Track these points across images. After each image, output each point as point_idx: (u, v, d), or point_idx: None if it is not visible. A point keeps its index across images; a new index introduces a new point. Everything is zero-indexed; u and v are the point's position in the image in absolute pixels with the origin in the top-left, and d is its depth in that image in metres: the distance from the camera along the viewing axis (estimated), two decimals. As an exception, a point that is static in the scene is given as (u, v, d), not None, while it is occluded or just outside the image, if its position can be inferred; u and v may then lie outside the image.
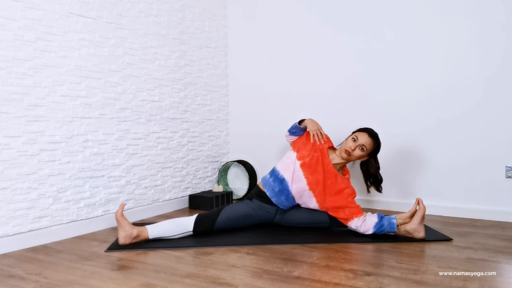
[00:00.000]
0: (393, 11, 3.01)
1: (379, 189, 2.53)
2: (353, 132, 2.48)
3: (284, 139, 3.39)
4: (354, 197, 2.37)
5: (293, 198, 2.41)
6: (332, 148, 2.53)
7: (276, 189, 2.41)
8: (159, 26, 2.99)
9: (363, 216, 2.28)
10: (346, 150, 2.39)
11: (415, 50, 2.95)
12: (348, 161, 2.45)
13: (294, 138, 2.54)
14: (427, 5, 2.90)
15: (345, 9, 3.18)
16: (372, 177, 2.49)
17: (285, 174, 2.41)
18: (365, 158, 2.46)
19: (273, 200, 2.42)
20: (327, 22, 3.25)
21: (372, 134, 2.43)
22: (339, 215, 2.33)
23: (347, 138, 2.47)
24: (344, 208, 2.31)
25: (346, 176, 2.50)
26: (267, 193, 2.44)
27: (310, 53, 3.32)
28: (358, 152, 2.39)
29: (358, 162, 2.59)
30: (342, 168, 2.51)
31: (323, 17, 3.26)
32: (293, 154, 2.46)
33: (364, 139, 2.39)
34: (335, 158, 2.45)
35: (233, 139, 3.72)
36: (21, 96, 2.18)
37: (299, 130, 2.51)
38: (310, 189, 2.35)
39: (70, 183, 2.42)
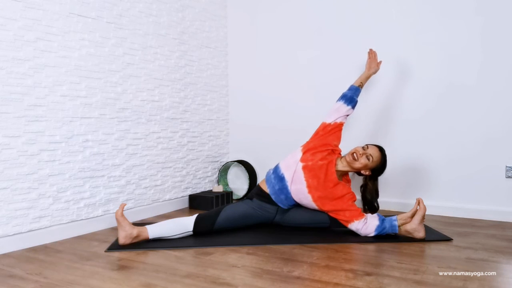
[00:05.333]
0: (392, 8, 3.02)
1: (372, 212, 2.49)
2: (365, 145, 2.45)
3: (282, 138, 3.40)
4: (354, 200, 2.35)
5: (292, 198, 2.40)
6: (340, 158, 2.48)
7: (276, 187, 2.41)
8: (159, 26, 2.99)
9: (363, 218, 2.27)
10: (353, 154, 2.36)
11: (414, 48, 2.95)
12: (350, 167, 2.38)
13: (344, 116, 2.56)
14: (427, 4, 2.90)
15: (345, 8, 3.18)
16: (368, 204, 2.47)
17: (286, 173, 2.40)
18: (367, 173, 2.40)
19: (273, 197, 2.42)
20: (327, 21, 3.25)
21: (382, 151, 2.41)
22: (340, 217, 2.32)
23: (356, 147, 2.44)
24: (345, 211, 2.30)
25: (347, 184, 2.48)
26: (268, 189, 2.43)
27: (310, 53, 3.32)
28: (364, 160, 2.35)
29: (358, 179, 2.57)
30: (344, 175, 2.47)
31: (323, 16, 3.26)
32: (298, 154, 2.44)
33: (373, 151, 2.37)
34: (339, 165, 2.41)
35: (233, 139, 3.72)
36: (21, 96, 2.18)
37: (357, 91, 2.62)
38: (309, 192, 2.34)
39: (70, 183, 2.42)
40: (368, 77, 2.69)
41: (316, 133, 2.56)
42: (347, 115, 2.58)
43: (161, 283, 1.68)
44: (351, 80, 3.15)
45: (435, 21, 2.88)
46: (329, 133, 2.51)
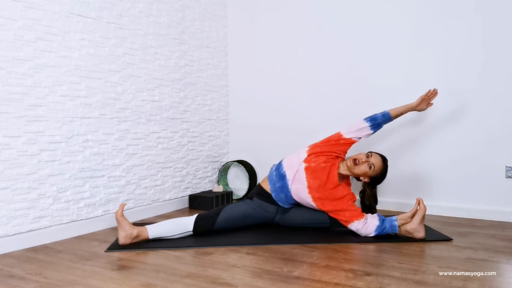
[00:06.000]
0: (392, 8, 3.02)
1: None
2: (370, 152, 2.44)
3: (282, 138, 3.40)
4: (354, 201, 2.36)
5: (292, 197, 2.40)
6: (343, 161, 2.48)
7: (277, 185, 2.41)
8: (159, 26, 2.99)
9: (363, 219, 2.27)
10: (355, 159, 2.35)
11: (414, 48, 2.95)
12: (350, 172, 2.39)
13: (360, 137, 2.48)
14: (427, 4, 2.90)
15: (345, 7, 3.18)
16: (366, 210, 2.47)
17: (288, 171, 2.40)
18: (366, 180, 2.41)
19: (273, 195, 2.42)
20: (327, 21, 3.25)
21: (384, 161, 2.40)
22: (339, 217, 2.32)
23: (359, 153, 2.43)
24: (345, 211, 2.30)
25: (348, 186, 2.48)
26: (269, 186, 2.44)
27: (310, 52, 3.32)
28: (364, 168, 2.34)
29: (358, 183, 2.58)
30: (344, 178, 2.47)
31: (323, 16, 3.26)
32: (303, 155, 2.43)
33: (376, 161, 2.36)
34: (341, 168, 2.42)
35: (233, 139, 3.72)
36: (21, 96, 2.18)
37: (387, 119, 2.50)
38: (309, 193, 2.35)
39: (70, 183, 2.42)
40: (410, 110, 2.55)
41: (328, 140, 2.50)
42: (362, 137, 2.52)
43: (161, 283, 1.68)
44: (351, 80, 3.15)
45: (435, 22, 2.88)
46: (339, 145, 2.47)
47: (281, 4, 3.44)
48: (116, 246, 2.16)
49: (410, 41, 2.96)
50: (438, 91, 2.58)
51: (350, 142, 2.49)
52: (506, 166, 2.71)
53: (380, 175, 2.41)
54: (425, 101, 2.56)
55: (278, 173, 2.44)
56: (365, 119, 2.50)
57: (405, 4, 2.97)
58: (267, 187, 2.46)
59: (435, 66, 2.89)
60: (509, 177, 2.70)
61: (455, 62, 2.83)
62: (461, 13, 2.80)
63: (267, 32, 3.51)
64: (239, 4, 3.63)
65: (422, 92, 2.92)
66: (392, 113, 2.50)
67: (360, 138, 2.51)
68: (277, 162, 2.62)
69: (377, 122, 2.48)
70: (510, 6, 2.67)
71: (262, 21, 3.54)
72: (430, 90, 2.53)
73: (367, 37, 3.10)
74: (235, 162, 3.52)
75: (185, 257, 2.00)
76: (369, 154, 2.38)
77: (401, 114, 2.54)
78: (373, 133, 2.51)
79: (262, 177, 3.54)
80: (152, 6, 2.93)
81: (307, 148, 2.48)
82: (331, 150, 2.44)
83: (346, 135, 2.48)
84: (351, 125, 2.51)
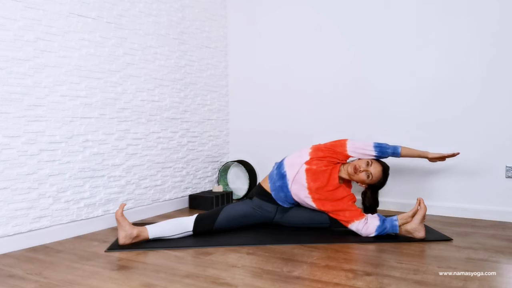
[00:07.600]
0: (393, 12, 3.02)
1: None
2: (371, 158, 2.42)
3: (281, 138, 3.40)
4: (354, 201, 2.36)
5: (291, 197, 2.40)
6: (344, 165, 2.47)
7: (277, 184, 2.41)
8: (159, 26, 2.99)
9: (364, 219, 2.27)
10: (355, 167, 2.35)
11: (414, 49, 2.95)
12: (350, 178, 2.40)
13: (362, 158, 2.42)
14: (428, 3, 2.90)
15: (346, 7, 3.17)
16: (367, 211, 2.46)
17: (288, 171, 2.40)
18: (364, 186, 2.42)
19: (273, 194, 2.42)
20: (327, 21, 3.25)
21: (384, 171, 2.38)
22: (340, 217, 2.32)
23: (362, 158, 2.42)
24: (345, 211, 2.30)
25: (348, 188, 2.48)
26: (269, 185, 2.44)
27: (310, 52, 3.32)
28: (363, 176, 2.34)
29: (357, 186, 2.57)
30: (345, 180, 2.46)
31: (323, 16, 3.26)
32: (305, 156, 2.42)
33: (375, 170, 2.35)
34: (342, 171, 2.42)
35: (233, 139, 3.72)
36: (21, 96, 2.18)
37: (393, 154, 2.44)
38: (309, 194, 2.35)
39: (70, 183, 2.42)
40: (422, 157, 2.50)
41: (331, 148, 2.45)
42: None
43: (161, 283, 1.68)
44: (351, 79, 3.15)
45: (435, 22, 2.88)
46: (342, 155, 2.45)
47: (281, 4, 3.44)
48: (116, 246, 2.16)
49: (410, 43, 2.96)
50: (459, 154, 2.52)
51: (348, 157, 2.47)
52: (506, 166, 2.71)
53: (378, 184, 2.41)
54: (442, 158, 2.48)
55: (279, 172, 2.44)
56: (375, 146, 2.41)
57: (405, 6, 2.97)
58: (267, 186, 2.46)
59: (435, 67, 2.89)
60: (509, 177, 2.70)
61: (455, 63, 2.83)
62: (461, 13, 2.80)
63: (267, 32, 3.51)
64: (239, 4, 3.63)
65: (421, 93, 2.93)
66: (403, 153, 2.44)
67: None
68: (279, 160, 2.62)
69: (383, 156, 2.44)
70: (510, 5, 2.67)
71: (262, 21, 3.54)
72: (454, 153, 2.46)
73: (368, 38, 3.09)
74: (235, 162, 3.52)
75: (185, 257, 2.00)
76: (369, 162, 2.36)
77: (411, 157, 2.50)
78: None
79: (262, 177, 3.54)
80: (152, 6, 2.93)
81: (310, 150, 2.47)
82: (334, 156, 2.43)
83: (350, 152, 2.43)
84: (359, 145, 2.43)
